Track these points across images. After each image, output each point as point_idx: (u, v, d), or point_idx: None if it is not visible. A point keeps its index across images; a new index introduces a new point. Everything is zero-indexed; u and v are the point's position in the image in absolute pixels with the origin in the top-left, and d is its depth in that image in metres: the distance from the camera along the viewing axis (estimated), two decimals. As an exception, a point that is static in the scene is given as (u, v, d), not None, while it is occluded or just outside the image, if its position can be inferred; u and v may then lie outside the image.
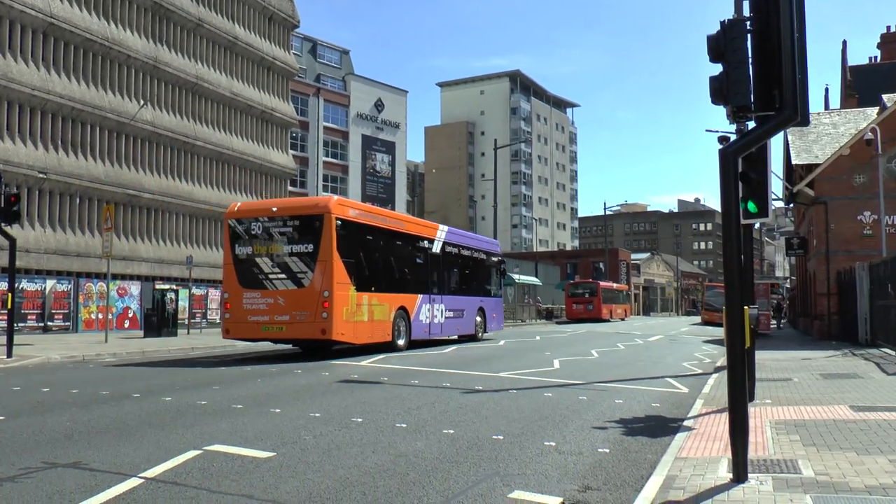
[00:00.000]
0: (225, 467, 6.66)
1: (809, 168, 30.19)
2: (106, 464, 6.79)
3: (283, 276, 18.18)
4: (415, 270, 22.87)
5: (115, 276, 33.93)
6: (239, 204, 19.68)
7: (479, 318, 27.37)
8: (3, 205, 17.81)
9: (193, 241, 41.12)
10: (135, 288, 35.26)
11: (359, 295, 19.06)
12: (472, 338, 26.92)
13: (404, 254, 22.44)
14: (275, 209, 18.67)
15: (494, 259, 29.61)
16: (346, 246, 18.59)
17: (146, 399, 10.95)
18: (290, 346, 22.61)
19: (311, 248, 18.05)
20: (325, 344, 20.12)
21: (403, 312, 21.54)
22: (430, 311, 23.22)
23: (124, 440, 7.87)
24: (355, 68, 79.52)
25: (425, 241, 23.65)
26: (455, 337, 26.41)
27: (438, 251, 24.35)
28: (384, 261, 21.13)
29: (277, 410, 9.89)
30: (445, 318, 24.41)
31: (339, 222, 18.38)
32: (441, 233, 24.86)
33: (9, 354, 17.86)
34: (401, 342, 21.21)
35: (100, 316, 31.97)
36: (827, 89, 46.13)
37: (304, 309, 17.87)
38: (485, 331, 28.07)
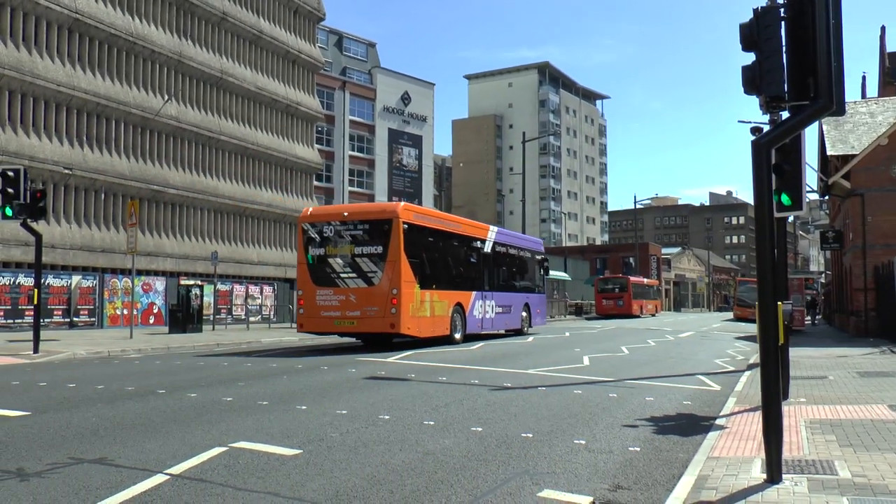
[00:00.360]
0: (250, 464, 6.71)
1: (845, 159, 29.80)
2: (131, 460, 6.86)
3: (354, 274, 20.06)
4: (469, 269, 24.69)
5: (139, 272, 34.30)
6: (311, 209, 21.80)
7: (524, 314, 29.10)
8: (28, 201, 18.05)
9: (218, 236, 41.43)
10: (159, 283, 35.61)
11: (422, 292, 20.90)
12: (519, 332, 28.59)
13: (460, 254, 24.24)
14: (346, 214, 20.66)
15: (538, 257, 31.64)
16: (411, 247, 20.36)
17: (171, 395, 11.06)
18: (325, 342, 22.72)
19: (380, 249, 19.91)
20: (388, 337, 21.34)
21: (460, 308, 23.28)
22: (482, 307, 24.99)
23: (150, 436, 7.95)
24: (381, 61, 79.69)
25: (478, 242, 25.54)
26: (503, 331, 27.97)
27: (489, 251, 26.23)
28: (443, 260, 22.97)
29: (303, 407, 9.93)
30: (495, 313, 26.16)
31: (406, 226, 20.23)
32: (492, 233, 26.77)
33: (35, 350, 18.12)
34: (457, 336, 22.88)
35: (125, 312, 32.33)
36: (864, 77, 45.49)
37: (374, 305, 19.75)
38: (530, 325, 29.78)
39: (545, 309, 32.98)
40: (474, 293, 24.47)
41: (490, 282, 25.96)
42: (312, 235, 20.68)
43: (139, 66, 37.25)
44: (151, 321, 34.71)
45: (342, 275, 20.13)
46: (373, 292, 19.78)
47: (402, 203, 21.18)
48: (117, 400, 10.60)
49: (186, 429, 8.38)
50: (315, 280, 20.42)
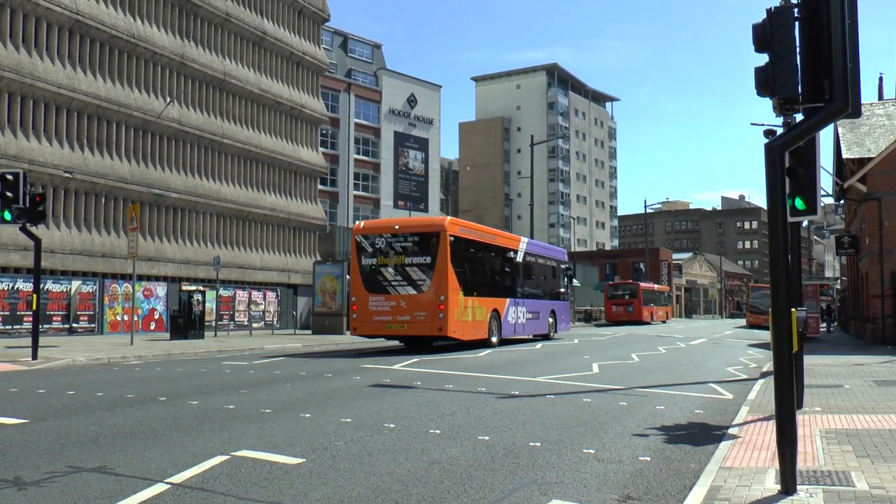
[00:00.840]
0: (253, 473, 6.71)
1: (861, 162, 29.72)
2: (131, 468, 6.87)
3: (404, 282, 22.21)
4: (503, 278, 26.97)
5: (140, 277, 34.37)
6: (364, 222, 24.59)
7: (551, 320, 31.29)
8: (28, 205, 18.11)
9: (221, 241, 41.51)
10: (161, 289, 35.68)
11: (465, 299, 23.03)
12: (546, 337, 30.75)
13: (496, 263, 26.52)
14: (397, 227, 23.05)
15: (563, 266, 34.13)
16: (456, 258, 22.54)
17: (172, 402, 11.07)
18: (330, 348, 22.70)
19: (428, 259, 22.09)
20: (430, 340, 23.81)
21: (496, 314, 25.37)
22: (515, 313, 27.19)
23: (150, 444, 7.96)
24: (387, 63, 79.82)
25: (511, 252, 27.86)
26: (531, 336, 29.84)
27: (521, 260, 28.66)
28: (482, 270, 25.30)
29: (307, 415, 9.94)
30: (526, 319, 28.29)
31: (452, 238, 22.43)
32: (523, 244, 29.32)
33: (34, 356, 18.16)
34: (494, 339, 25.03)
35: (125, 317, 32.39)
36: (881, 78, 45.29)
37: (422, 310, 21.90)
38: (556, 331, 32.03)
39: (569, 315, 35.60)
40: (508, 300, 26.64)
41: (521, 289, 28.23)
42: (365, 247, 22.88)
43: (141, 67, 37.37)
44: (152, 327, 34.78)
45: (393, 283, 22.33)
46: (422, 299, 21.98)
47: (449, 217, 24.04)
48: (117, 407, 10.62)
49: (188, 437, 8.39)
50: (368, 287, 22.60)
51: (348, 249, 45.47)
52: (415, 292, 22.07)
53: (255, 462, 7.13)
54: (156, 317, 35.16)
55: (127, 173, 35.87)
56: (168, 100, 38.20)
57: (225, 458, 7.28)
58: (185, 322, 29.25)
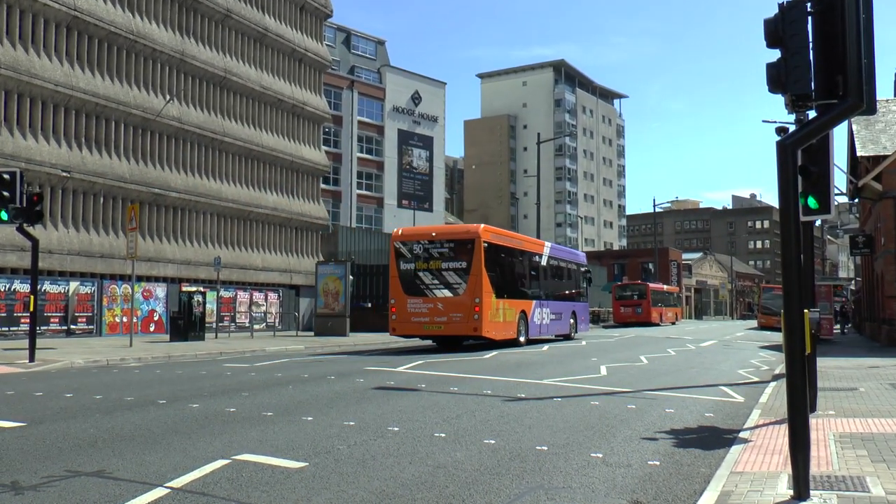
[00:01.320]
0: (254, 478, 6.72)
1: (876, 160, 29.63)
2: (130, 472, 6.88)
3: (441, 286, 24.08)
4: (530, 281, 28.84)
5: (139, 278, 34.42)
6: (402, 229, 26.40)
7: (571, 321, 33.05)
8: (25, 204, 18.16)
9: (221, 241, 41.55)
10: (160, 290, 35.73)
11: (497, 301, 24.80)
12: (567, 337, 32.36)
13: (524, 267, 28.37)
14: (434, 234, 25.04)
15: (583, 269, 36.00)
16: (489, 262, 24.33)
17: (172, 405, 11.09)
18: (333, 349, 22.71)
19: (464, 264, 23.89)
20: (461, 340, 25.68)
21: (524, 315, 27.13)
22: (540, 314, 28.91)
23: (149, 448, 7.97)
24: (391, 59, 79.88)
25: (537, 256, 29.80)
26: (552, 336, 31.32)
27: (545, 264, 30.64)
28: (511, 274, 27.04)
29: (309, 418, 9.95)
30: (550, 320, 30.04)
31: (486, 244, 24.26)
32: (546, 248, 31.39)
33: (31, 358, 18.20)
34: (522, 339, 26.75)
35: (124, 319, 32.45)
36: (896, 75, 45.17)
37: (458, 312, 23.72)
38: (576, 331, 33.72)
39: (588, 317, 37.73)
40: (534, 302, 28.43)
41: (546, 292, 30.10)
42: (403, 252, 24.69)
43: (140, 65, 37.43)
44: (152, 329, 34.84)
45: (430, 286, 24.18)
46: (458, 301, 23.80)
47: (483, 225, 25.37)
48: (116, 410, 10.64)
49: (188, 440, 8.40)
50: (406, 291, 24.41)
51: (351, 250, 45.64)
52: (451, 295, 23.92)
53: (257, 466, 7.14)
54: (155, 318, 35.21)
55: (126, 172, 35.93)
56: (168, 98, 38.26)
57: (226, 461, 7.29)
58: (185, 324, 29.29)
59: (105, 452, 7.76)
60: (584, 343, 29.57)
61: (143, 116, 36.88)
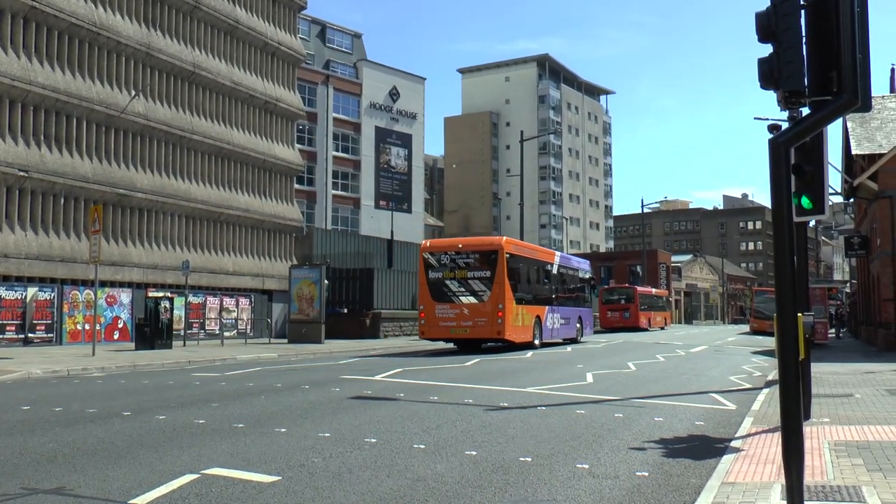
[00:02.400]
0: (225, 493, 6.68)
1: (872, 158, 29.91)
2: (92, 489, 6.82)
3: (466, 293, 27.32)
4: (543, 288, 32.37)
5: (103, 283, 34.16)
6: (430, 241, 30.63)
7: (578, 325, 36.46)
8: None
9: (190, 244, 41.33)
10: (125, 296, 35.49)
11: (517, 307, 28.08)
12: (574, 340, 35.51)
13: (538, 276, 32.01)
14: (461, 246, 28.45)
15: (587, 276, 39.77)
16: (510, 271, 27.66)
17: (137, 417, 11.01)
18: (305, 356, 22.62)
19: (488, 273, 27.20)
20: (480, 343, 28.89)
21: (538, 320, 30.30)
22: (552, 319, 32.12)
23: (113, 463, 7.91)
24: (368, 53, 79.78)
25: (549, 265, 33.50)
26: (561, 340, 34.27)
27: (556, 272, 34.21)
28: (528, 282, 30.52)
29: (283, 430, 9.91)
30: (560, 324, 33.26)
31: (508, 256, 27.68)
32: (556, 258, 35.31)
33: (-11, 369, 18.02)
34: (537, 342, 29.85)
35: (86, 326, 32.21)
36: (893, 69, 45.60)
37: (483, 317, 26.91)
38: (582, 335, 37.08)
39: (592, 321, 41.05)
40: (547, 307, 31.65)
41: (556, 298, 33.51)
42: (431, 262, 27.94)
43: (103, 58, 37.17)
44: (116, 337, 34.60)
45: (457, 293, 27.35)
46: (482, 307, 26.97)
47: (505, 238, 29.27)
48: (77, 423, 10.55)
49: (154, 454, 8.35)
50: (434, 297, 27.58)
51: (326, 253, 45.57)
52: (476, 301, 27.09)
53: (227, 481, 7.10)
54: (120, 325, 34.98)
55: (88, 172, 35.68)
56: (133, 93, 38.04)
57: (194, 476, 7.25)
58: (151, 331, 29.13)
59: (65, 468, 7.69)
60: (569, 349, 29.67)
61: (106, 113, 36.63)
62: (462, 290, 27.34)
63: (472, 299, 27.18)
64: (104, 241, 34.31)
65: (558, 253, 36.90)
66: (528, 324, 29.22)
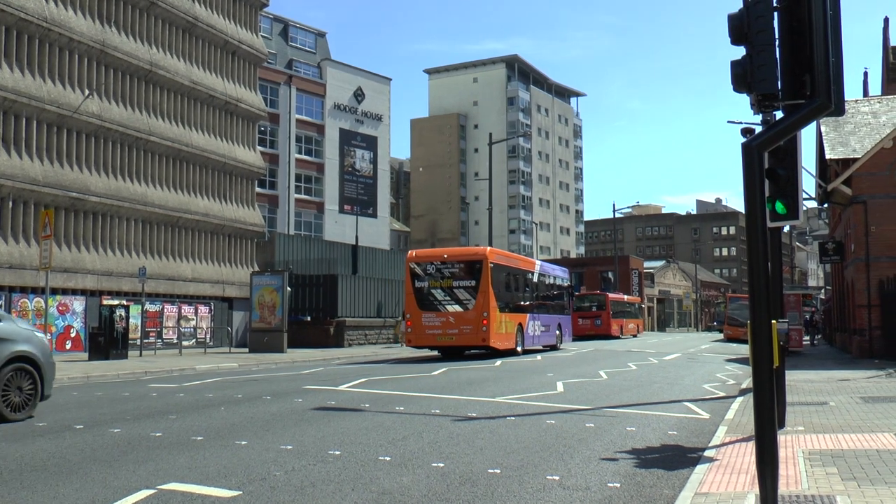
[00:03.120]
0: (181, 508, 6.62)
1: (846, 163, 30.33)
2: (44, 506, 6.73)
3: (452, 301, 28.71)
4: (525, 296, 33.95)
5: (54, 291, 33.75)
6: (416, 252, 31.58)
7: (557, 332, 38.03)
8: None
9: (147, 250, 40.98)
10: (78, 304, 35.08)
11: (501, 315, 29.59)
12: (553, 347, 37.07)
13: (520, 284, 33.48)
14: (446, 256, 29.88)
15: (566, 285, 41.62)
16: (494, 281, 29.11)
17: (91, 431, 10.89)
18: (266, 365, 22.47)
19: (473, 283, 28.61)
20: (464, 350, 30.07)
21: (520, 327, 31.88)
22: (533, 327, 33.74)
23: (64, 479, 7.81)
24: (332, 53, 79.65)
25: (529, 274, 35.03)
26: (541, 346, 35.74)
27: (536, 280, 35.95)
28: (511, 290, 32.05)
29: (244, 443, 9.85)
30: (540, 332, 34.91)
31: (492, 265, 29.13)
32: (537, 266, 36.89)
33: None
34: (519, 349, 31.38)
35: (39, 336, 31.74)
36: (866, 73, 46.52)
37: (468, 325, 28.29)
38: (561, 342, 38.78)
39: (571, 328, 42.55)
40: (528, 315, 33.27)
41: (537, 306, 35.12)
42: (418, 272, 29.18)
43: (55, 56, 36.77)
44: (69, 347, 34.19)
45: (443, 302, 28.75)
46: (467, 315, 28.40)
47: (489, 248, 30.97)
48: (26, 438, 10.41)
49: (108, 469, 8.26)
50: (420, 306, 28.88)
51: (289, 259, 45.41)
52: (461, 310, 28.51)
53: (185, 496, 7.05)
54: (72, 335, 34.57)
55: (39, 174, 35.26)
56: (87, 92, 37.66)
57: (151, 492, 7.19)
58: (105, 340, 28.85)
59: (12, 485, 7.59)
60: (539, 357, 29.74)
61: (58, 113, 36.23)
62: (448, 298, 28.74)
63: (457, 308, 28.56)
64: (55, 247, 33.92)
65: (539, 262, 38.23)
66: (511, 331, 30.67)
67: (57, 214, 35.28)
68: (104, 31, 38.96)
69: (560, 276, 40.84)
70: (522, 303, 33.19)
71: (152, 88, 41.90)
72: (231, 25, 47.56)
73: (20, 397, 12.16)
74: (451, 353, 30.26)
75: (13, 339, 12.26)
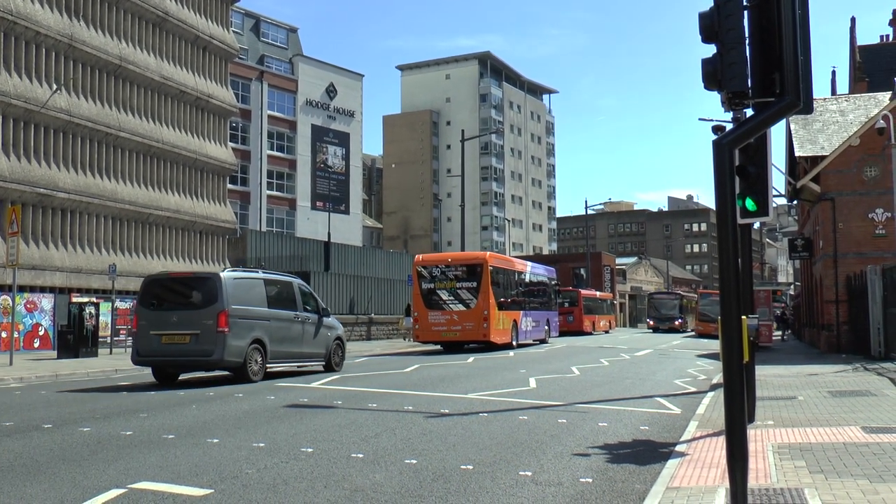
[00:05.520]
0: (153, 507, 6.59)
1: (814, 160, 30.64)
2: (13, 506, 6.67)
3: (456, 301, 31.83)
4: (517, 294, 36.73)
5: (22, 289, 33.39)
6: (422, 256, 35.53)
7: (546, 327, 40.83)
8: None
9: (117, 247, 40.65)
10: (46, 301, 34.72)
11: (499, 312, 32.51)
12: (542, 341, 39.66)
13: (514, 284, 36.52)
14: (450, 260, 33.40)
15: (552, 283, 44.64)
16: (493, 282, 32.24)
17: (59, 430, 10.79)
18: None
19: (475, 284, 31.75)
20: (466, 343, 32.71)
21: (515, 323, 34.73)
22: (525, 323, 36.52)
23: (32, 479, 7.74)
24: (304, 49, 79.34)
25: (522, 274, 38.25)
26: (531, 341, 37.94)
27: (528, 280, 39.13)
28: (507, 289, 34.89)
29: (215, 440, 9.81)
30: (531, 327, 37.62)
31: (491, 268, 32.42)
32: (528, 266, 40.25)
33: None
34: (514, 343, 34.21)
35: (3, 335, 31.43)
36: (834, 72, 47.11)
37: (470, 322, 31.33)
38: (549, 336, 41.48)
39: (557, 324, 45.60)
40: (521, 312, 36.20)
41: (528, 304, 38.08)
42: (424, 274, 32.53)
43: (21, 49, 36.35)
44: (37, 345, 33.82)
45: (447, 301, 31.90)
46: (470, 313, 31.41)
47: (489, 252, 36.04)
48: (-4, 436, 10.30)
49: (78, 469, 8.19)
50: (427, 305, 32.10)
51: (261, 256, 45.23)
52: (464, 308, 31.56)
53: (156, 495, 7.01)
54: (41, 333, 34.20)
55: (6, 170, 34.86)
56: (55, 87, 37.27)
57: (121, 491, 7.14)
58: (75, 339, 28.58)
59: (-17, 483, 7.51)
60: (511, 354, 29.82)
61: (25, 108, 35.82)
62: (452, 298, 31.87)
63: (460, 307, 31.63)
64: (23, 244, 33.57)
65: (529, 263, 42.03)
66: (508, 327, 33.55)
67: (24, 211, 34.92)
68: (72, 25, 38.56)
69: (547, 275, 43.66)
70: (516, 301, 35.99)
71: (122, 83, 41.54)
72: (202, 20, 47.24)
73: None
74: (451, 348, 32.88)
75: None
